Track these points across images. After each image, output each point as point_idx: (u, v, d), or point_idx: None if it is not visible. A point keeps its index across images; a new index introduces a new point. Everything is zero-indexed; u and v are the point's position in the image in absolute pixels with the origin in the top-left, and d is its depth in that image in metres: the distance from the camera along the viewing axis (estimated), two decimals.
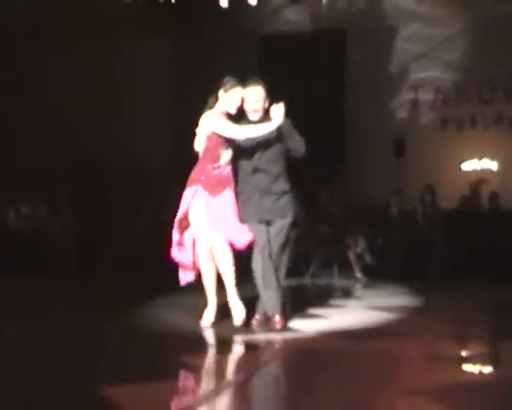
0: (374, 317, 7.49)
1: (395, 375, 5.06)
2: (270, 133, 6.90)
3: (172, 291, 7.96)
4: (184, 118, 13.98)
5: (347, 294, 9.74)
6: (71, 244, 12.07)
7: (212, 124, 6.97)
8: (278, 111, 6.89)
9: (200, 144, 7.10)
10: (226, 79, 7.13)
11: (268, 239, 6.85)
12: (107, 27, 13.56)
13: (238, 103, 7.03)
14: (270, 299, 6.71)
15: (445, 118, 14.37)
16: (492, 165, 14.00)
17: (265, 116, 6.99)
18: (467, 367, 5.51)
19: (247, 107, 7.07)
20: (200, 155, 7.10)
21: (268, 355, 6.04)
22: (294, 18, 13.97)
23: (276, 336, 6.42)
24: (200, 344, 6.30)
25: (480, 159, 14.02)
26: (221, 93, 7.06)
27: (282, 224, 6.95)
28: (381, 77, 14.18)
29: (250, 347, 6.24)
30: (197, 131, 7.14)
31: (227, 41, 14.03)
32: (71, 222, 12.53)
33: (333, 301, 8.77)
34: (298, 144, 7.08)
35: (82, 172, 14.02)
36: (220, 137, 6.90)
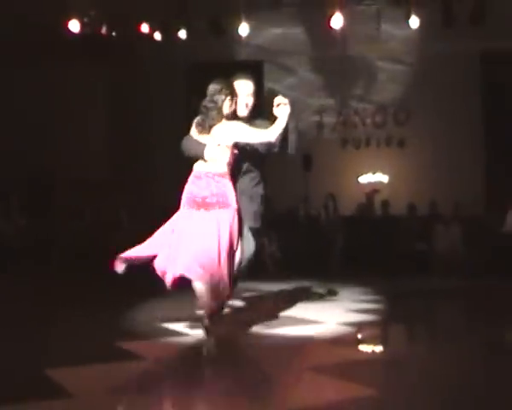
0: (283, 305, 7.46)
1: (300, 355, 5.11)
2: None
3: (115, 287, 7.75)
4: (119, 136, 14.18)
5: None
6: (21, 244, 11.88)
7: (236, 133, 5.59)
8: (285, 107, 5.76)
9: (217, 157, 5.52)
10: (222, 82, 5.85)
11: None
12: (51, 53, 13.18)
13: (248, 101, 5.95)
14: None
15: (345, 138, 14.64)
16: (384, 178, 14.29)
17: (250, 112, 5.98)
18: (362, 347, 5.61)
19: (241, 101, 5.90)
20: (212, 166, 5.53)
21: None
22: (220, 49, 13.90)
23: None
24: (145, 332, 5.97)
25: (373, 173, 14.30)
26: (226, 101, 5.73)
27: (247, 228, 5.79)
28: (293, 103, 14.26)
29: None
30: (210, 142, 5.54)
31: (160, 69, 13.96)
32: (21, 224, 12.33)
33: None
34: (295, 141, 6.16)
35: (34, 183, 13.77)
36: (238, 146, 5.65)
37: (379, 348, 5.60)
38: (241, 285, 6.41)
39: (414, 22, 12.96)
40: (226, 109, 5.70)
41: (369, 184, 14.09)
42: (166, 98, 14.09)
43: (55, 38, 12.45)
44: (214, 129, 5.60)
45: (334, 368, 4.59)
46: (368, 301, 7.89)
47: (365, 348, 5.44)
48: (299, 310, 7.10)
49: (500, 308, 7.46)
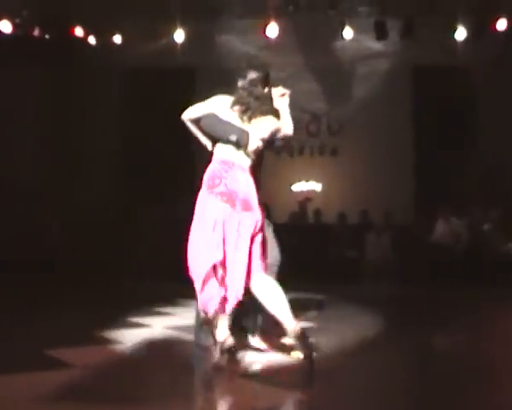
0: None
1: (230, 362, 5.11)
2: None
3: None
4: (50, 141, 13.88)
5: None
6: None
7: (271, 128, 5.18)
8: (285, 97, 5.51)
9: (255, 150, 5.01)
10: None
11: None
12: None
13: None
14: None
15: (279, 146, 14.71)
16: (317, 186, 14.42)
17: None
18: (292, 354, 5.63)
19: None
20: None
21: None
22: (155, 55, 13.71)
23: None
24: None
25: (307, 181, 14.42)
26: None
27: None
28: None
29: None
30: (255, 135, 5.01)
31: (94, 73, 13.75)
32: None
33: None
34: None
35: None
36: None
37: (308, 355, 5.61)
38: None
39: (348, 33, 13.13)
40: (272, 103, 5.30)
41: (302, 192, 14.19)
42: (100, 103, 13.92)
43: None
44: (255, 120, 5.13)
45: (264, 374, 4.61)
46: (299, 309, 7.92)
47: (295, 354, 5.45)
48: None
49: (429, 315, 7.61)
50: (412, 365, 5.30)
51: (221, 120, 5.09)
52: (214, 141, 5.18)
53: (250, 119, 5.11)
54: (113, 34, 13.19)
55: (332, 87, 14.36)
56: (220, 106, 5.17)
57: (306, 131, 14.56)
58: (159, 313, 7.56)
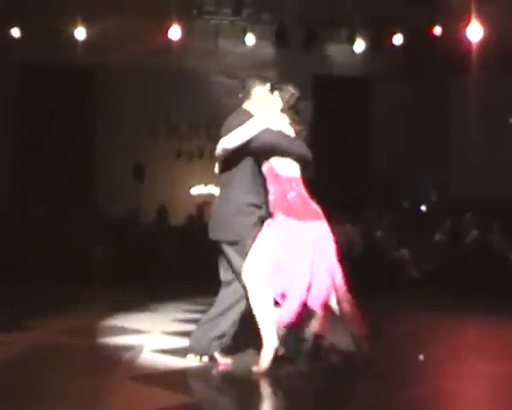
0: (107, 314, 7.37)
1: (120, 365, 5.06)
2: None
3: None
4: None
5: None
6: None
7: None
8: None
9: None
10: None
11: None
12: None
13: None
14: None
15: (179, 149, 14.66)
16: (215, 190, 14.42)
17: None
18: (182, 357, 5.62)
19: None
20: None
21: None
22: (55, 51, 13.34)
23: None
24: None
25: (205, 185, 14.41)
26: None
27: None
28: (126, 112, 14.05)
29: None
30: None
31: None
32: None
33: None
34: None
35: None
36: None
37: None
38: None
39: (250, 40, 13.23)
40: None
41: (201, 196, 14.17)
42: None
43: None
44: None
45: (153, 377, 4.59)
46: (194, 311, 7.94)
47: (185, 357, 5.43)
48: (124, 320, 7.03)
49: None
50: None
51: (284, 135, 5.14)
52: (267, 156, 5.13)
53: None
54: (12, 27, 12.76)
55: (233, 91, 14.38)
56: (266, 123, 5.14)
57: (206, 135, 14.57)
58: (52, 316, 7.37)
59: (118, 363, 5.06)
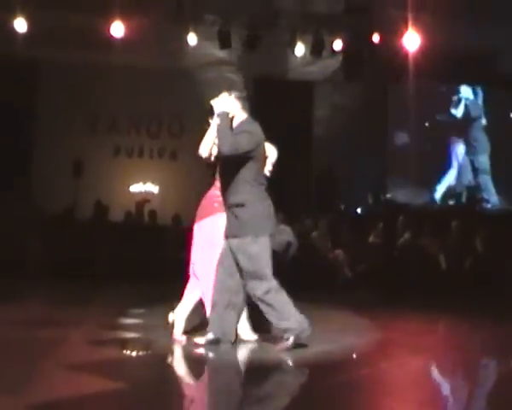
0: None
1: (55, 355, 5.13)
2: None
3: None
4: None
5: None
6: None
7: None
8: (218, 103, 5.67)
9: None
10: (209, 105, 5.80)
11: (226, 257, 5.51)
12: None
13: None
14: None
15: (119, 146, 14.66)
16: (154, 188, 14.51)
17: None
18: (126, 349, 5.73)
19: None
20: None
21: None
22: None
23: None
24: None
25: (144, 183, 14.47)
26: (210, 121, 5.87)
27: (233, 243, 5.45)
28: (63, 108, 13.94)
29: None
30: None
31: None
32: None
33: None
34: (220, 138, 5.51)
35: None
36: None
37: (138, 348, 5.71)
38: None
39: (192, 39, 13.33)
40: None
41: (140, 193, 14.22)
42: None
43: None
44: None
45: (88, 366, 4.69)
46: (135, 306, 8.03)
47: (125, 348, 5.53)
48: (59, 313, 7.07)
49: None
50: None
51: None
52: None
53: None
54: None
55: (175, 91, 14.47)
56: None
57: (147, 133, 14.63)
58: None
59: (52, 353, 5.12)
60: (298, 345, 5.45)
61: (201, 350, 5.45)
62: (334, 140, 14.44)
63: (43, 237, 11.71)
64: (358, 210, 14.68)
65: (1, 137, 13.12)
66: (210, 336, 5.47)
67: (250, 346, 5.74)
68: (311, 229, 12.24)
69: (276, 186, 13.62)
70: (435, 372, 5.62)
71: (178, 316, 5.81)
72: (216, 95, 5.78)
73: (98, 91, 14.18)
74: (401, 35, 12.57)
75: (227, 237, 5.54)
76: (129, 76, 14.05)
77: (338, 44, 13.59)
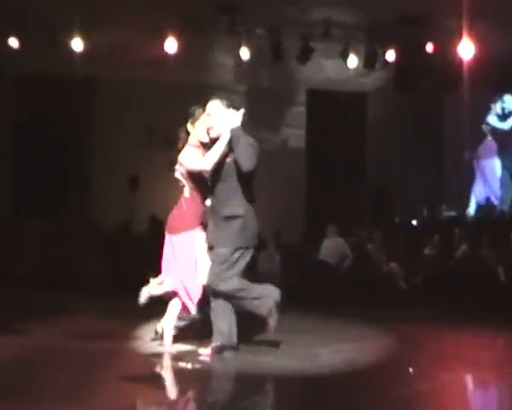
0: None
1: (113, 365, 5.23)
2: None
3: None
4: None
5: None
6: None
7: (184, 161, 5.99)
8: (233, 118, 5.74)
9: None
10: (191, 109, 6.11)
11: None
12: None
13: (208, 123, 5.88)
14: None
15: (174, 160, 14.78)
16: (207, 201, 14.55)
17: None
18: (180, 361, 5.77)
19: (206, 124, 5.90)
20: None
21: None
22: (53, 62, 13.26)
23: None
24: None
25: None
26: (189, 126, 6.05)
27: (221, 252, 5.68)
28: (123, 124, 14.19)
29: None
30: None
31: None
32: None
33: None
34: (241, 155, 5.65)
35: None
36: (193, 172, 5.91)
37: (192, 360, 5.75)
38: None
39: (245, 54, 13.39)
40: (194, 135, 5.99)
41: None
42: None
43: None
44: (180, 154, 6.03)
45: (142, 377, 4.75)
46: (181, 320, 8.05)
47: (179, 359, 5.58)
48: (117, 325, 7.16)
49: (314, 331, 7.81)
50: None
51: None
52: None
53: (178, 153, 6.20)
54: (9, 37, 12.86)
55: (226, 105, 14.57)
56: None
57: None
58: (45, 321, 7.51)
59: (109, 364, 5.21)
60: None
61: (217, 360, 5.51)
62: (388, 152, 14.33)
63: (101, 252, 11.90)
64: (414, 222, 14.52)
65: (60, 153, 13.43)
66: (217, 343, 5.69)
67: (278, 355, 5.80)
68: (365, 241, 12.17)
69: (331, 199, 13.70)
70: (494, 387, 5.51)
71: (166, 326, 6.02)
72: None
73: (153, 107, 14.36)
74: (456, 44, 12.42)
75: (215, 246, 5.75)
76: (183, 91, 14.19)
77: (391, 55, 13.50)
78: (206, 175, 5.89)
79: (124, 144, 14.25)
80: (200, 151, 5.97)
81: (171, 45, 12.81)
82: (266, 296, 5.78)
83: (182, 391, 4.56)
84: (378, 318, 8.87)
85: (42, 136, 13.58)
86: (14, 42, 12.94)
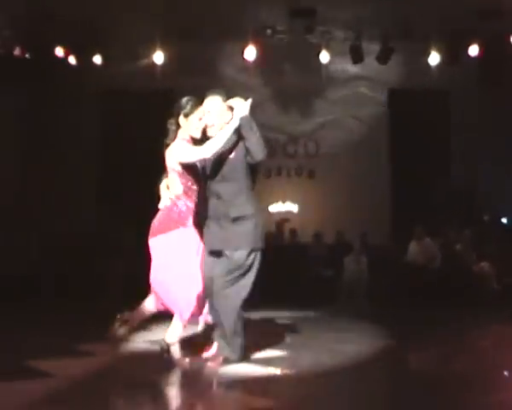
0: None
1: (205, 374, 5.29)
2: (230, 138, 5.27)
3: None
4: (32, 162, 13.83)
5: None
6: None
7: (177, 155, 5.47)
8: (241, 107, 5.36)
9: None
10: (184, 100, 5.60)
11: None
12: None
13: (202, 126, 5.53)
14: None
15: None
16: (293, 207, 14.63)
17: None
18: (271, 366, 5.81)
19: (203, 120, 5.51)
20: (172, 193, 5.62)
21: None
22: (135, 76, 13.64)
23: None
24: None
25: (283, 202, 14.62)
26: (181, 119, 5.54)
27: (236, 256, 5.29)
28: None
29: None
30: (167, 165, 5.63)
31: (74, 94, 13.80)
32: None
33: None
34: (255, 144, 5.31)
35: None
36: (188, 166, 5.45)
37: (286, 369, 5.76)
38: None
39: (324, 57, 13.35)
40: (186, 129, 5.52)
41: (279, 213, 14.37)
42: (80, 124, 13.99)
43: None
44: (168, 149, 5.54)
45: (235, 384, 4.80)
46: (277, 325, 8.11)
47: (272, 367, 5.60)
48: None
49: (409, 333, 7.76)
50: (395, 385, 5.43)
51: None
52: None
53: (166, 147, 5.71)
54: (94, 54, 13.22)
55: (309, 109, 14.63)
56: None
57: (283, 153, 14.81)
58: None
59: (202, 372, 5.29)
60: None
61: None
62: (474, 149, 14.02)
63: None
64: (504, 220, 14.15)
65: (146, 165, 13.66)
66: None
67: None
68: (454, 241, 11.96)
69: (418, 199, 13.47)
70: None
71: (171, 339, 5.82)
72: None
73: None
74: None
75: (224, 249, 5.34)
76: (263, 97, 14.30)
77: (474, 50, 13.20)
78: (199, 170, 5.48)
79: None
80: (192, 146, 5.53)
81: (250, 52, 12.87)
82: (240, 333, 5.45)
83: (274, 397, 4.55)
84: (469, 317, 8.71)
85: (127, 147, 13.85)
86: (97, 59, 13.29)
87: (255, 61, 13.12)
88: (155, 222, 5.64)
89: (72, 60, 13.22)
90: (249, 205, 5.35)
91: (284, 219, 14.04)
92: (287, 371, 5.44)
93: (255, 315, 8.99)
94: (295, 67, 14.29)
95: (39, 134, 13.80)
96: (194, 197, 5.57)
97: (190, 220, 5.58)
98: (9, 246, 11.85)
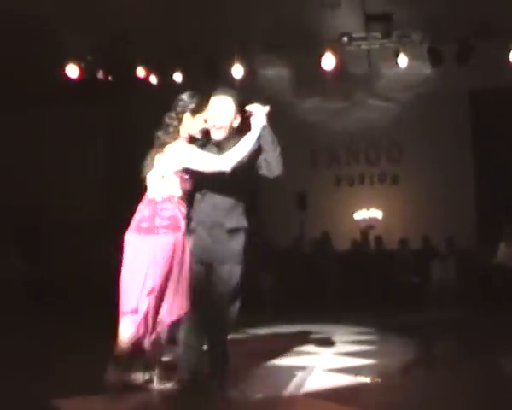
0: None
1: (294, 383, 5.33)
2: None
3: None
4: (117, 179, 14.25)
5: None
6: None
7: (186, 159, 4.77)
8: (260, 114, 4.89)
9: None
10: (189, 95, 4.97)
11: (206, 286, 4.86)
12: (49, 98, 13.13)
13: (207, 127, 4.96)
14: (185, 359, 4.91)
15: (339, 176, 14.90)
16: (378, 214, 14.53)
17: (232, 135, 4.96)
18: (359, 376, 5.80)
19: (209, 121, 4.93)
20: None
21: None
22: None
23: None
24: None
25: (368, 209, 14.55)
26: (187, 116, 4.87)
27: (234, 269, 4.91)
28: (286, 143, 14.42)
29: None
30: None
31: (156, 112, 14.08)
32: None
33: None
34: (277, 158, 5.08)
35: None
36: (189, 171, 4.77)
37: (375, 377, 5.74)
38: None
39: (402, 61, 13.21)
40: (188, 127, 4.92)
41: (364, 220, 14.31)
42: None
43: (53, 83, 12.54)
44: (166, 148, 4.87)
45: (324, 392, 4.81)
46: (363, 333, 8.08)
47: (362, 376, 5.60)
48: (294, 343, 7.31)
49: (495, 339, 7.62)
50: (478, 389, 5.34)
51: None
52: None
53: (162, 146, 4.98)
54: (173, 72, 13.46)
55: (389, 114, 14.52)
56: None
57: (365, 160, 14.76)
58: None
59: (291, 381, 5.34)
60: None
61: None
62: None
63: (275, 272, 12.16)
64: None
65: None
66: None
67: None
68: None
69: (505, 200, 13.12)
70: None
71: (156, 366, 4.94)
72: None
73: (316, 125, 14.55)
74: None
75: (222, 262, 4.88)
76: (343, 107, 14.31)
77: None
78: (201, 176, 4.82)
79: (290, 164, 14.45)
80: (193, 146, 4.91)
81: (328, 61, 12.84)
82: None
83: (363, 405, 4.56)
84: None
85: None
86: (178, 76, 13.54)
87: (332, 70, 13.09)
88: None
89: (152, 79, 13.53)
90: (244, 217, 5.01)
91: (369, 226, 13.98)
92: (375, 380, 5.42)
93: (339, 325, 9.07)
94: (373, 73, 14.20)
95: (124, 155, 14.15)
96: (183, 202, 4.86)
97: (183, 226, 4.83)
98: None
